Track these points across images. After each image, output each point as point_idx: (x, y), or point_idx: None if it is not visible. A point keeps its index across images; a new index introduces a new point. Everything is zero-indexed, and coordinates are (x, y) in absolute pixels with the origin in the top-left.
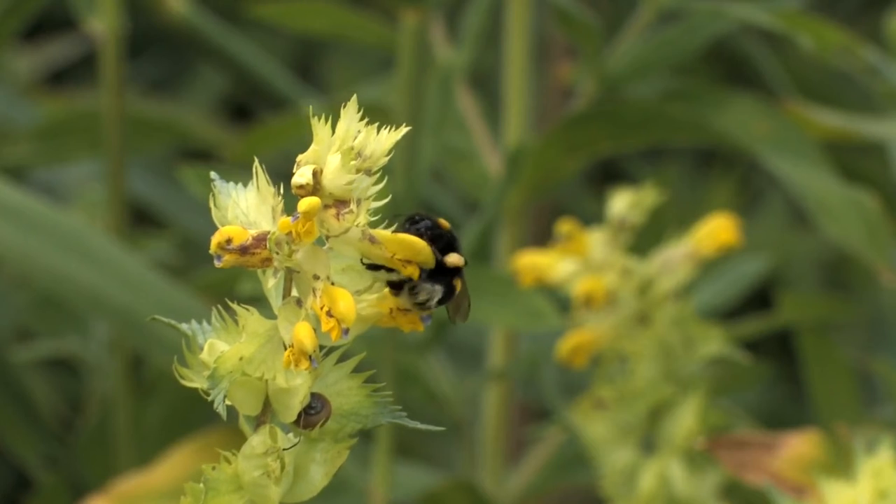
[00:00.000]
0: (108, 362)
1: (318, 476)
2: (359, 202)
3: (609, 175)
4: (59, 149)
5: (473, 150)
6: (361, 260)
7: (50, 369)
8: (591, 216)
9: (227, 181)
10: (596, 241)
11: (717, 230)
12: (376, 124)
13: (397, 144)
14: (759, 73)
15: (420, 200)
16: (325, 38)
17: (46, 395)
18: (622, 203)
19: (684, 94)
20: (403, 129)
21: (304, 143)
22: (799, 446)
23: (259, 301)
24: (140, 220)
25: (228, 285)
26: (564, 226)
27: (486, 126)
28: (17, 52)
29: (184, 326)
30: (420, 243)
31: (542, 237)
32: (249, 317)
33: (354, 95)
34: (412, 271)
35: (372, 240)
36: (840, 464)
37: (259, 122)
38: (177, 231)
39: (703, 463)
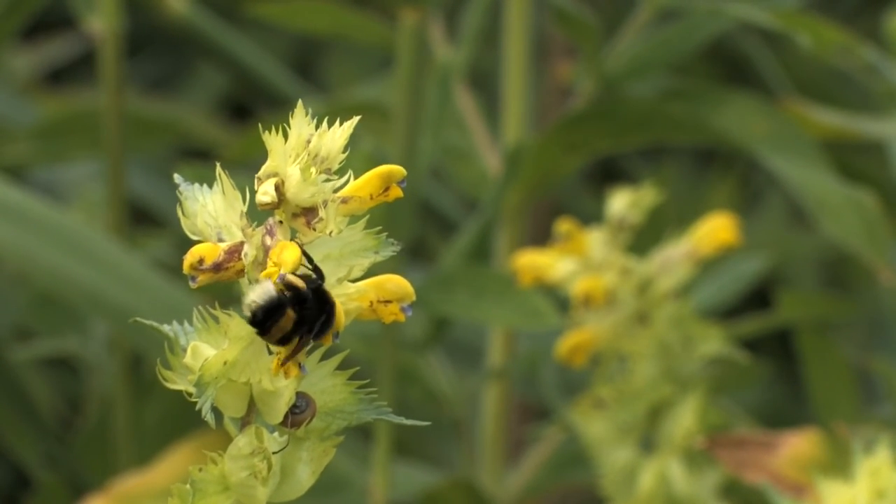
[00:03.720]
0: (107, 361)
1: (305, 475)
2: (325, 204)
3: (608, 174)
4: (58, 148)
5: (472, 150)
6: None
7: (49, 368)
8: (591, 215)
9: (204, 182)
10: (595, 240)
11: (716, 229)
12: (331, 125)
13: (351, 140)
14: (758, 73)
15: (419, 200)
16: (324, 38)
17: (46, 395)
18: (621, 202)
19: (683, 93)
20: (354, 122)
21: None
22: (798, 445)
23: None
24: (139, 219)
25: (228, 285)
26: (563, 225)
27: (485, 125)
28: (17, 50)
29: (165, 328)
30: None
31: (541, 236)
32: (231, 320)
33: (300, 101)
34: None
35: None
36: (839, 463)
37: (258, 121)
38: (176, 230)
39: (702, 462)
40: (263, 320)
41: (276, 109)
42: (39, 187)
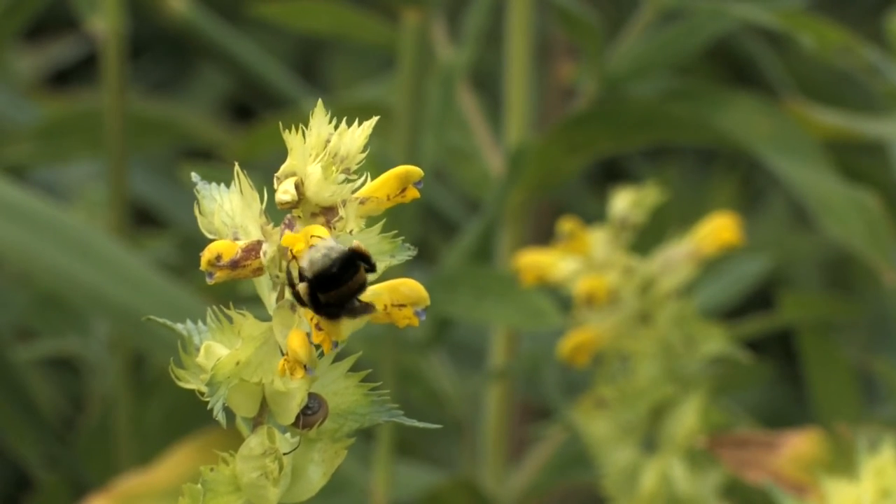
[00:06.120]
0: (109, 361)
1: (317, 476)
2: (344, 203)
3: (611, 174)
4: (60, 148)
5: (475, 150)
6: None
7: (51, 368)
8: (593, 215)
9: (210, 181)
10: (598, 240)
11: (718, 229)
12: (346, 125)
13: (371, 140)
14: (760, 73)
15: (421, 200)
16: (326, 38)
17: (47, 394)
18: (624, 202)
19: (686, 93)
20: (373, 121)
21: None
22: (800, 445)
23: (259, 300)
24: (141, 219)
25: (229, 285)
26: (566, 225)
27: (487, 126)
28: (19, 51)
29: (179, 327)
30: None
31: (543, 236)
32: (244, 320)
33: (320, 100)
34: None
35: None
36: (841, 463)
37: (261, 122)
38: (178, 231)
39: (704, 462)
40: (343, 269)
41: (279, 110)
42: (41, 187)
